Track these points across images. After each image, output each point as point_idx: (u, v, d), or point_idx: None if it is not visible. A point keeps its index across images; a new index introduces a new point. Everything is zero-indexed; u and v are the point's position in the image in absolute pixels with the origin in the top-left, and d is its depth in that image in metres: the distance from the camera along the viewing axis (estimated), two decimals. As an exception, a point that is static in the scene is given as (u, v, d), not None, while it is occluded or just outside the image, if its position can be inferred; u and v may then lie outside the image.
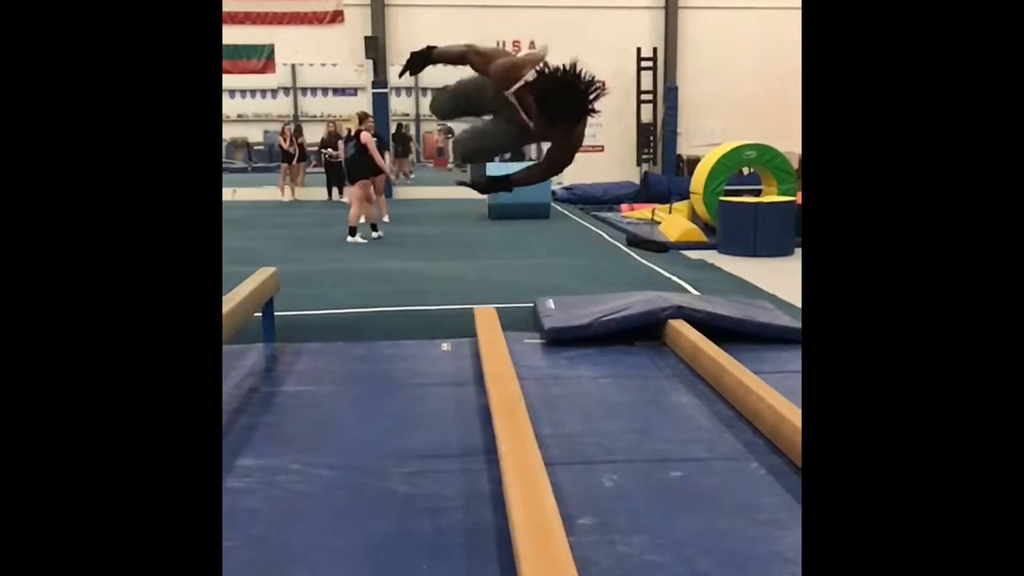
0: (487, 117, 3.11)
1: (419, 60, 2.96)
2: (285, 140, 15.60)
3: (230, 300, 3.70)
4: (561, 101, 2.67)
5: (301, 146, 15.87)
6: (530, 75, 2.70)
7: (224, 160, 30.42)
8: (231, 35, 15.53)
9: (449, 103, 3.19)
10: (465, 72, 3.00)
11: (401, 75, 3.02)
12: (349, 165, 9.37)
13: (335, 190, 14.98)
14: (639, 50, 15.71)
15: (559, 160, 2.97)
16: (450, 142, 14.96)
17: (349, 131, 9.85)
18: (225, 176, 22.69)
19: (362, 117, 9.63)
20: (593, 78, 2.68)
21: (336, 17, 15.82)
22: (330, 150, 14.05)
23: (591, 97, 2.68)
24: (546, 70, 2.68)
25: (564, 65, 2.68)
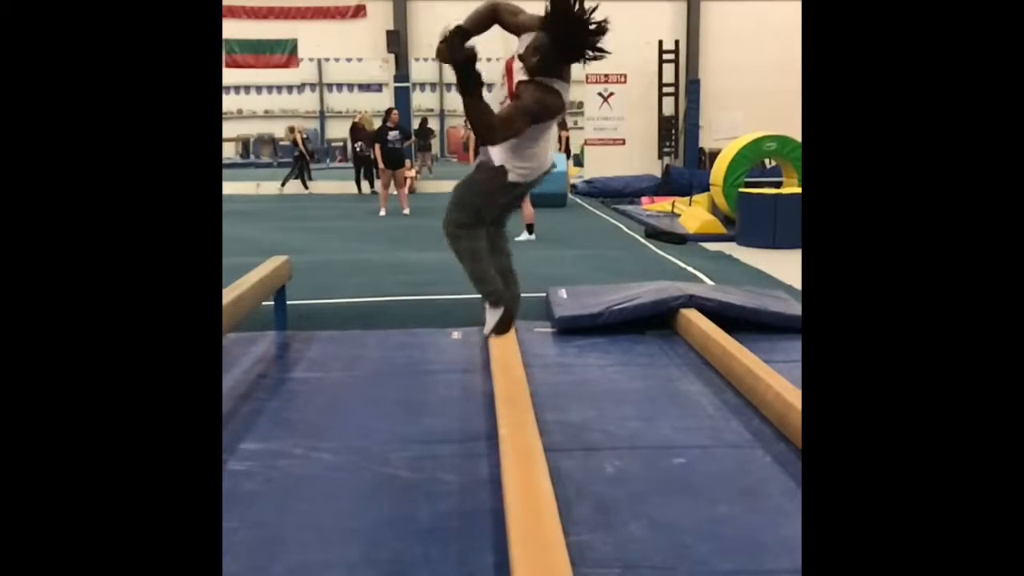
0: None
1: (458, 42, 2.55)
2: (298, 142, 15.94)
3: (239, 287, 3.72)
4: (570, 26, 2.54)
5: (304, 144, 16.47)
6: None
7: (251, 156, 30.75)
8: (254, 30, 15.66)
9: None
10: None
11: (453, 60, 2.67)
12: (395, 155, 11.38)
13: (365, 183, 15.16)
14: (661, 43, 15.61)
15: (509, 119, 2.62)
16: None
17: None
18: (251, 171, 22.91)
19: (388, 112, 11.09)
20: (605, 23, 2.57)
21: (358, 11, 15.89)
22: (360, 144, 14.27)
23: (598, 31, 2.56)
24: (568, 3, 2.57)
25: (582, 3, 2.57)
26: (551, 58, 2.62)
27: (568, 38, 2.58)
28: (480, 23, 2.81)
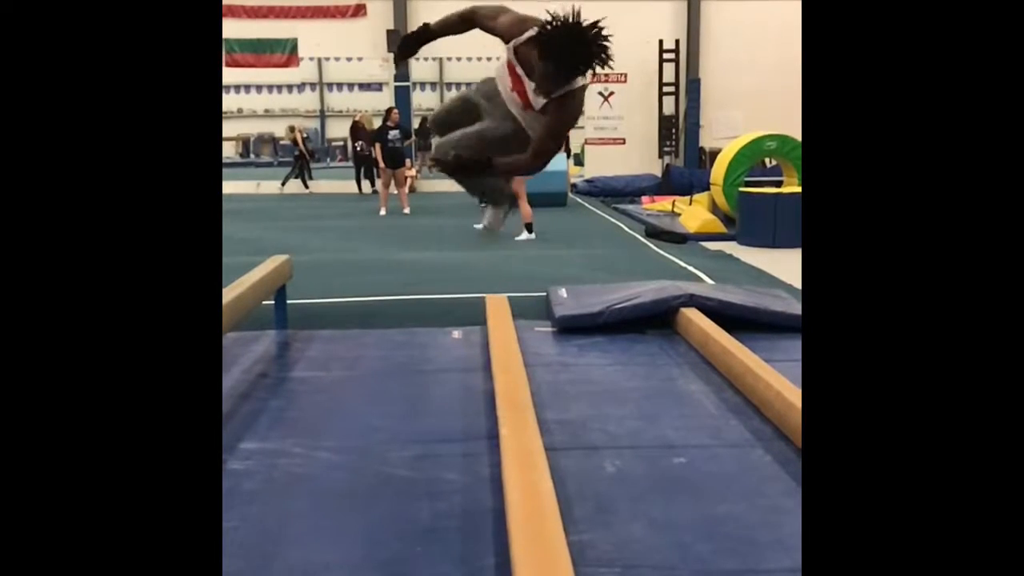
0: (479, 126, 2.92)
1: (412, 42, 2.81)
2: (299, 141, 15.99)
3: (240, 286, 3.72)
4: (567, 48, 2.54)
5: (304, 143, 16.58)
6: (533, 30, 2.62)
7: (251, 155, 30.76)
8: (254, 29, 15.66)
9: (442, 119, 3.04)
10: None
11: (397, 62, 2.97)
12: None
13: (365, 183, 15.18)
14: (661, 42, 15.61)
15: (546, 146, 2.77)
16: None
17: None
18: (251, 171, 22.91)
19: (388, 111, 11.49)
20: (600, 27, 2.56)
21: (358, 11, 15.89)
22: (361, 143, 14.30)
23: (598, 43, 2.56)
24: (552, 21, 2.56)
25: (569, 16, 2.55)
26: (560, 77, 2.66)
27: (572, 67, 2.63)
28: (453, 26, 2.83)
